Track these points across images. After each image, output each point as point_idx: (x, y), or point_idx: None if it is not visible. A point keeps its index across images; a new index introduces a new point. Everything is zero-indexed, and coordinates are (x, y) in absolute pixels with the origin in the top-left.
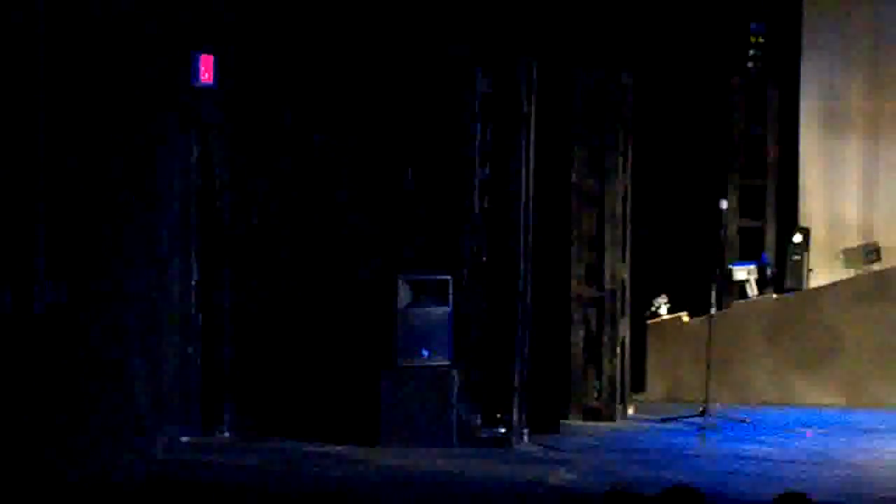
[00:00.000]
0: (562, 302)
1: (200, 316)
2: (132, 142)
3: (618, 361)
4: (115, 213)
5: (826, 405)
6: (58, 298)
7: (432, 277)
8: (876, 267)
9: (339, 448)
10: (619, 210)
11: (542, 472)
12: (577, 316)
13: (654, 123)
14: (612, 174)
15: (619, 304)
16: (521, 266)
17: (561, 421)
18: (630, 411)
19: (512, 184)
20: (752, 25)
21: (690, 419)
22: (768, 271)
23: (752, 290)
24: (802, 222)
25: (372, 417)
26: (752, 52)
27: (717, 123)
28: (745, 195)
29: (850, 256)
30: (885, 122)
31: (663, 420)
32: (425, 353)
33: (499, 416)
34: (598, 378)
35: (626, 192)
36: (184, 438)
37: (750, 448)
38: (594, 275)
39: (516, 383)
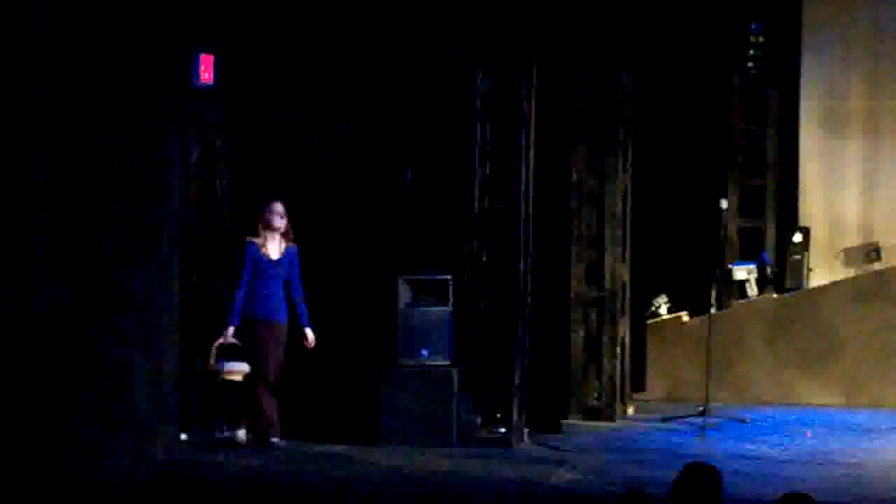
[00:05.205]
0: (562, 302)
1: (200, 316)
2: (132, 141)
3: (618, 361)
4: (115, 213)
5: (826, 405)
6: (58, 298)
7: (432, 277)
8: (876, 267)
9: (339, 448)
10: (619, 210)
11: (542, 472)
12: (577, 316)
13: (654, 123)
14: (612, 174)
15: (619, 304)
16: (521, 266)
17: (561, 421)
18: (630, 411)
19: (512, 183)
20: (752, 25)
21: (690, 419)
22: (768, 271)
23: (752, 289)
24: (802, 222)
25: (372, 417)
26: (752, 52)
27: (717, 123)
28: (745, 195)
29: (850, 256)
30: (885, 122)
31: (663, 420)
32: (425, 352)
33: (499, 416)
34: (598, 378)
35: (626, 191)
36: (183, 437)
37: (750, 448)
38: (594, 275)
39: (516, 383)
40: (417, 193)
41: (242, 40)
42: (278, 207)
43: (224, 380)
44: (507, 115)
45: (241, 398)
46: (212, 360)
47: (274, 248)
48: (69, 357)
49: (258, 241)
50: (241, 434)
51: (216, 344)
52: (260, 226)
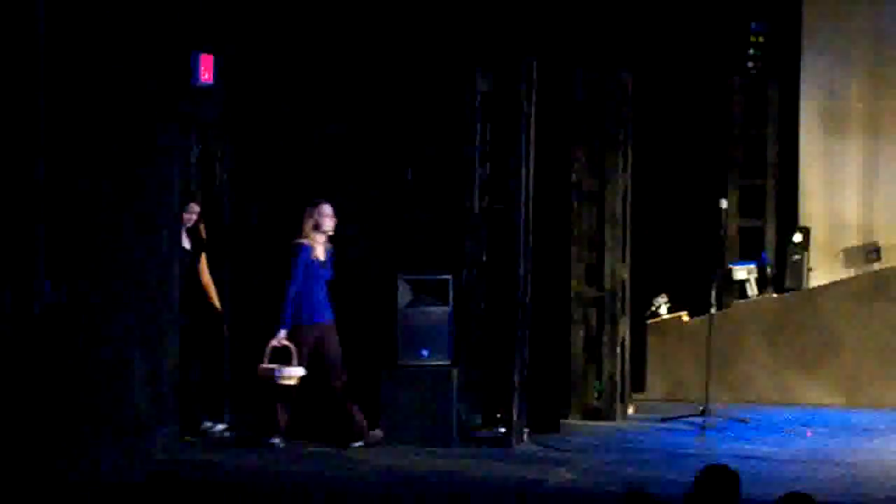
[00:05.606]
0: (562, 302)
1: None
2: (132, 141)
3: (618, 361)
4: (115, 213)
5: (826, 405)
6: (58, 298)
7: (432, 277)
8: (876, 267)
9: (339, 448)
10: (619, 210)
11: (542, 472)
12: (577, 316)
13: (654, 123)
14: (612, 174)
15: (619, 304)
16: (521, 266)
17: (561, 421)
18: (630, 411)
19: (512, 183)
20: (752, 25)
21: (690, 419)
22: (768, 271)
23: (752, 289)
24: (802, 222)
25: (372, 417)
26: (752, 51)
27: (717, 123)
28: (745, 195)
29: (850, 256)
30: (885, 122)
31: (663, 420)
32: (425, 352)
33: (499, 416)
34: (598, 378)
35: (626, 191)
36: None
37: (750, 448)
38: (594, 275)
39: (516, 383)
40: (418, 193)
41: (242, 40)
42: (328, 210)
43: (278, 384)
44: (507, 115)
45: (286, 403)
46: (266, 363)
47: (321, 250)
48: (69, 357)
49: (309, 242)
50: (278, 440)
51: (270, 346)
52: (307, 228)
